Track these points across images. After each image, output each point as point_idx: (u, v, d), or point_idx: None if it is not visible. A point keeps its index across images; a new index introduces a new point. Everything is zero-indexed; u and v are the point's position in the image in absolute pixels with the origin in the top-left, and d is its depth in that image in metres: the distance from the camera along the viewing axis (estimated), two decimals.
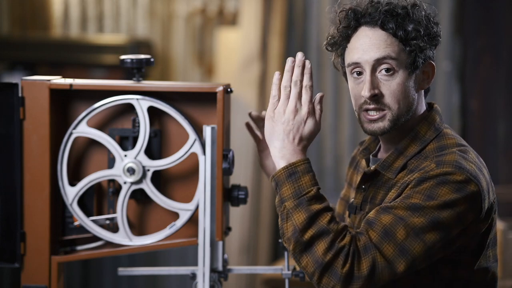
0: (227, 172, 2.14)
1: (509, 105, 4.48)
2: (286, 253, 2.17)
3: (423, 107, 2.01)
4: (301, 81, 1.90)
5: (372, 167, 1.99)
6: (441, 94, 4.46)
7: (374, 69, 1.93)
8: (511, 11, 4.46)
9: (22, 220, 2.15)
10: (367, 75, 1.93)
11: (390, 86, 1.93)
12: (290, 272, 2.17)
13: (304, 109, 1.89)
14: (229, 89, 2.18)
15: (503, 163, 4.47)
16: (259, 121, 2.31)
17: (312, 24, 4.63)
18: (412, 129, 1.98)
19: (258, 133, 2.33)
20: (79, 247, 2.22)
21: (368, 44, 1.93)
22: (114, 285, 4.84)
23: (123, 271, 2.22)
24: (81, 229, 2.19)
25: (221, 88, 2.12)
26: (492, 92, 4.49)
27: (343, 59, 2.01)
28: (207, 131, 2.12)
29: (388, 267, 1.81)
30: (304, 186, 1.85)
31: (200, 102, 2.18)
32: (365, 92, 1.92)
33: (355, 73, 1.96)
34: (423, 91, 2.00)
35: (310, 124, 1.90)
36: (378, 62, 1.92)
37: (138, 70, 2.19)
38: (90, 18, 4.86)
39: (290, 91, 1.90)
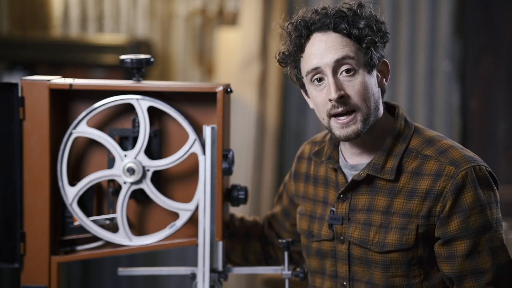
0: (227, 172, 2.14)
1: (509, 105, 4.48)
2: (286, 253, 2.17)
3: (382, 107, 2.02)
4: None
5: (363, 173, 1.98)
6: (441, 94, 4.46)
7: (335, 71, 1.92)
8: (511, 11, 4.46)
9: (22, 220, 2.15)
10: (329, 78, 1.92)
11: (354, 86, 1.92)
12: (290, 272, 2.17)
13: None
14: (229, 89, 2.18)
15: (503, 163, 4.46)
16: None
17: None
18: (381, 127, 1.99)
19: None
20: (79, 247, 2.22)
21: (324, 48, 1.93)
22: (114, 285, 4.84)
23: (123, 271, 2.22)
24: (81, 229, 2.19)
25: (221, 88, 2.12)
26: (492, 92, 4.48)
27: (299, 70, 1.99)
28: (207, 131, 2.12)
29: None
30: None
31: (200, 102, 2.18)
32: (332, 94, 1.90)
33: (315, 80, 1.94)
34: (380, 91, 2.01)
35: None
36: (338, 64, 1.92)
37: (138, 70, 2.19)
38: (90, 18, 4.86)
39: None
